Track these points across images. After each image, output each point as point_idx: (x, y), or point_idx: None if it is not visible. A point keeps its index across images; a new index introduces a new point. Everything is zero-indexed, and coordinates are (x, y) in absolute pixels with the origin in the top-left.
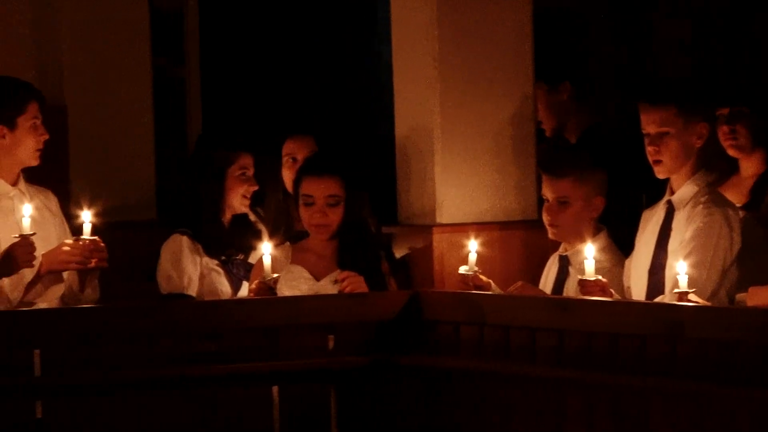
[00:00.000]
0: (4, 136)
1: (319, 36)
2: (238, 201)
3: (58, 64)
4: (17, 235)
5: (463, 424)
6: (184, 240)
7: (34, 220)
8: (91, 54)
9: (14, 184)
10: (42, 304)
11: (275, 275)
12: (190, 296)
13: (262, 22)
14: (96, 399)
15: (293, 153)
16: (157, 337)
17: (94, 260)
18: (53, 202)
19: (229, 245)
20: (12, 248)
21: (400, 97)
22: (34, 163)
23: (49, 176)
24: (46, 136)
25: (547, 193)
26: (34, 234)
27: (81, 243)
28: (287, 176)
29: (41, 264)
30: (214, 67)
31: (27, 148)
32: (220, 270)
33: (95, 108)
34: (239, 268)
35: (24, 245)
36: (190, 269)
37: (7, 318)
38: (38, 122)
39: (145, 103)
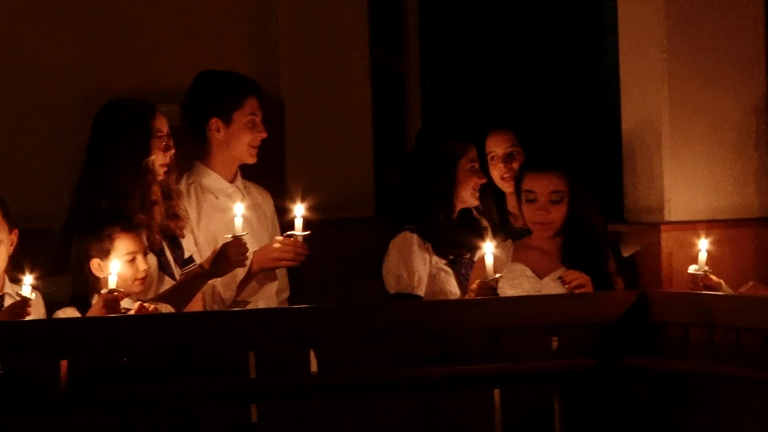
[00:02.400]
0: (218, 130)
1: (543, 28)
2: (469, 194)
3: (275, 56)
4: (230, 235)
5: (692, 429)
6: (415, 238)
7: (246, 220)
8: (308, 46)
9: (231, 180)
10: (260, 303)
11: (497, 275)
12: (418, 296)
13: (484, 13)
14: (311, 401)
15: (493, 151)
16: (381, 338)
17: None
18: (269, 204)
19: (458, 244)
20: (224, 248)
21: (627, 90)
22: (250, 160)
23: (266, 171)
24: (264, 135)
25: None
26: (246, 234)
27: (293, 240)
28: (493, 173)
29: (252, 262)
30: (435, 60)
31: (241, 144)
32: (449, 270)
33: (312, 102)
34: (467, 268)
35: (236, 245)
36: (421, 268)
37: (222, 318)
38: (256, 119)
39: (364, 96)
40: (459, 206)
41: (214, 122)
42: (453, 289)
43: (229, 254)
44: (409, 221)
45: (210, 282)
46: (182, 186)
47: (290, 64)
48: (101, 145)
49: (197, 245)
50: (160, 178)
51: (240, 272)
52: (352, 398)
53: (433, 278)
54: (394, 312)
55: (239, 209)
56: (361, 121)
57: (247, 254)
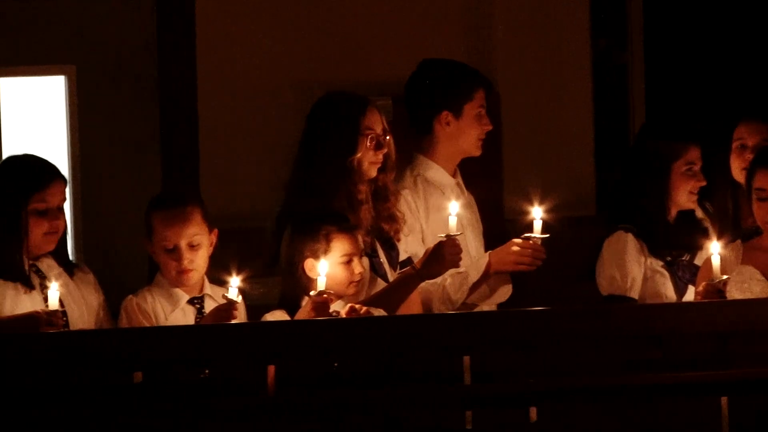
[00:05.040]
0: (448, 123)
1: None
2: (684, 197)
3: (490, 46)
4: (443, 235)
5: None
6: (629, 238)
7: (461, 218)
8: (526, 35)
9: (453, 175)
10: (485, 307)
11: (724, 277)
12: (632, 299)
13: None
14: (527, 407)
15: (743, 139)
16: (597, 343)
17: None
18: (474, 201)
19: (676, 245)
20: (438, 248)
21: None
22: (476, 153)
23: (482, 167)
24: (490, 127)
25: None
26: (460, 234)
27: (531, 243)
28: (735, 164)
29: (488, 264)
30: (660, 51)
31: (470, 137)
32: (665, 272)
33: (530, 94)
34: (685, 270)
35: (451, 245)
36: (635, 270)
37: (435, 322)
38: (483, 111)
39: (584, 89)
40: (674, 209)
41: (445, 115)
42: (669, 292)
43: (444, 255)
44: (625, 220)
45: (439, 282)
46: (407, 180)
47: (506, 54)
48: (310, 142)
49: (424, 242)
50: (372, 177)
51: (473, 273)
52: (570, 405)
53: (647, 280)
54: (612, 315)
55: (454, 207)
56: (581, 116)
57: (461, 255)
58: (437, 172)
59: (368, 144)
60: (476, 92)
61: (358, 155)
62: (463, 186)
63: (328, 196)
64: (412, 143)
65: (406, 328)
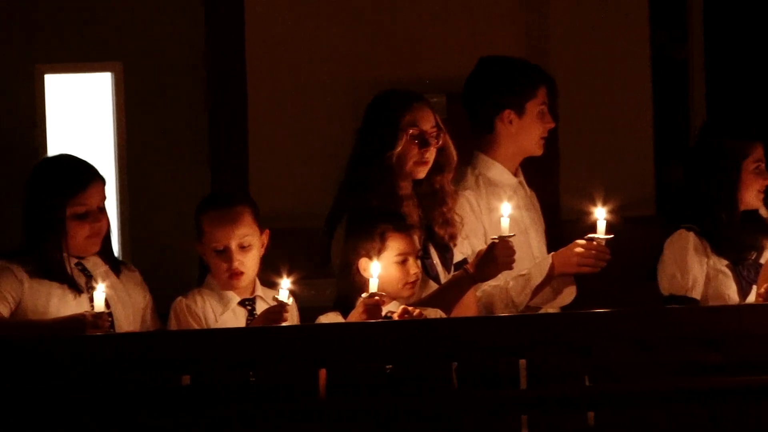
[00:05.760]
0: (511, 122)
1: None
2: (753, 196)
3: (547, 43)
4: (496, 237)
5: None
6: (691, 237)
7: (513, 219)
8: (583, 31)
9: (515, 174)
10: (549, 310)
11: None
12: (693, 299)
13: None
14: (585, 411)
15: None
16: (658, 345)
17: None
18: (536, 201)
19: (741, 244)
20: (490, 249)
21: None
22: (538, 152)
23: (538, 166)
24: (553, 125)
25: None
26: (513, 236)
27: (595, 244)
28: None
29: (551, 266)
30: (721, 46)
31: (532, 135)
32: (729, 272)
33: (587, 90)
34: (750, 270)
35: (504, 247)
36: (696, 269)
37: (492, 325)
38: (546, 108)
39: (643, 85)
40: (742, 208)
41: (507, 113)
42: (732, 293)
43: (497, 256)
44: (688, 220)
45: (502, 284)
46: (469, 180)
47: (563, 50)
48: (358, 140)
49: (487, 243)
50: (419, 177)
51: (536, 277)
52: (627, 410)
53: (710, 281)
54: (672, 317)
55: (506, 209)
56: (640, 113)
57: (515, 257)
58: (499, 172)
59: (410, 140)
60: (539, 89)
61: (398, 150)
62: (525, 185)
63: (370, 194)
64: (473, 142)
65: (461, 330)
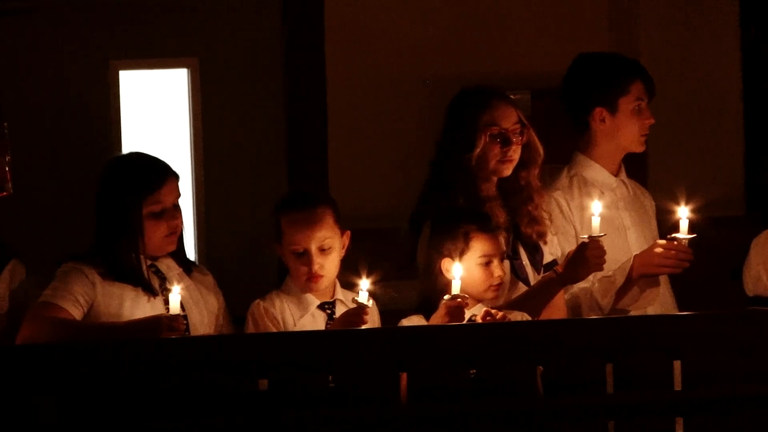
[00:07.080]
0: (603, 120)
1: None
2: None
3: (635, 38)
4: (586, 237)
5: None
6: None
7: (606, 219)
8: (672, 26)
9: (616, 173)
10: (635, 312)
11: None
12: None
13: None
14: (673, 418)
15: None
16: (751, 349)
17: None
18: (650, 200)
19: None
20: (580, 250)
21: None
22: (640, 149)
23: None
24: (652, 121)
25: None
26: (604, 235)
27: (676, 244)
28: None
29: (632, 267)
30: None
31: (629, 133)
32: None
33: (676, 87)
34: None
35: (594, 248)
36: None
37: (578, 327)
38: (642, 104)
39: (734, 81)
40: None
41: (599, 112)
42: None
43: (587, 257)
44: None
45: (587, 287)
46: (562, 180)
47: (652, 45)
48: (443, 140)
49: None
50: (504, 175)
51: (618, 278)
52: (718, 416)
53: None
54: (752, 320)
55: (597, 207)
56: (730, 109)
57: (605, 258)
58: (597, 171)
59: (490, 140)
60: (632, 85)
61: (477, 151)
62: (629, 184)
63: (452, 195)
64: (574, 141)
65: (545, 333)
